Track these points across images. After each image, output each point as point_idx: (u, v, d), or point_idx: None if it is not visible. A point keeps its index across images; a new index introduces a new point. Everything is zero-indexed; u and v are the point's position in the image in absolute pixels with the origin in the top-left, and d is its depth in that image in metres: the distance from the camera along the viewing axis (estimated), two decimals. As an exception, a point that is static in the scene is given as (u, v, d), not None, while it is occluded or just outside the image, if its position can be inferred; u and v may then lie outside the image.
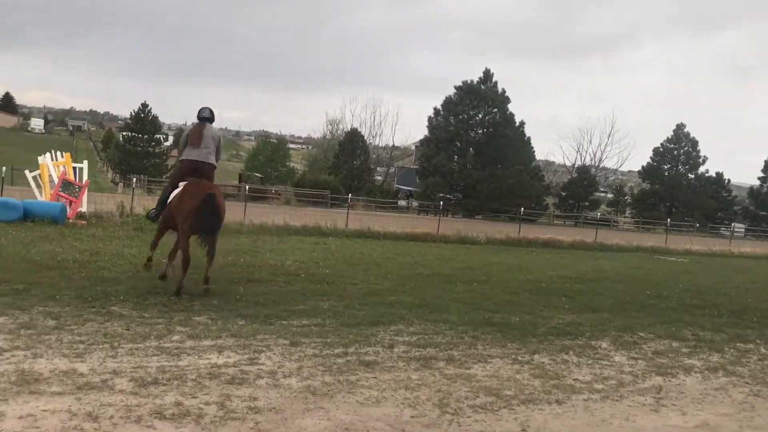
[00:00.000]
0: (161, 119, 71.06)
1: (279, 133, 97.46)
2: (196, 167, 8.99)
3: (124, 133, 66.62)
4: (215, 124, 9.70)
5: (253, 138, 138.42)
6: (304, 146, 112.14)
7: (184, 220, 8.48)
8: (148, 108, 60.85)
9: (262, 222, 18.13)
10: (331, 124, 69.98)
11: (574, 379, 6.38)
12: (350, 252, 14.57)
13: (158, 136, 63.31)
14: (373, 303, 9.02)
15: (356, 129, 58.45)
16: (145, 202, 17.82)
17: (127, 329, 6.61)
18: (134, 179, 25.68)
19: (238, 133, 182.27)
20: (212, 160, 9.16)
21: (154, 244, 9.51)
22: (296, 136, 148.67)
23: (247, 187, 26.89)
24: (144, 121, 60.27)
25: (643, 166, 58.99)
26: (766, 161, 59.39)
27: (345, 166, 52.10)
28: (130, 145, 60.13)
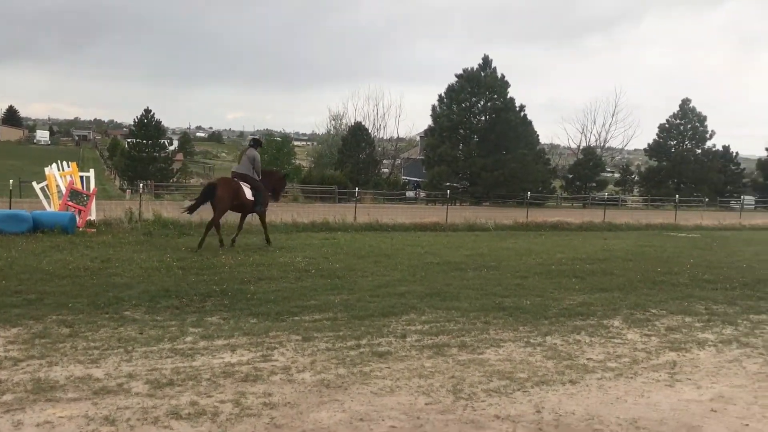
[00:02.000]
0: (165, 124, 71.04)
1: (283, 131, 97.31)
2: (235, 176, 13.99)
3: (129, 140, 66.81)
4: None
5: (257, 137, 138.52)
6: (309, 143, 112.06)
7: None
8: (152, 113, 60.95)
9: (270, 220, 18.16)
10: (334, 119, 69.89)
11: (587, 359, 6.39)
12: (359, 245, 14.60)
13: (162, 140, 63.43)
14: (384, 294, 9.05)
15: (360, 123, 58.33)
16: (153, 207, 17.89)
17: (141, 333, 6.66)
18: (141, 185, 25.77)
19: (242, 134, 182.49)
20: (244, 170, 13.95)
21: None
22: (300, 133, 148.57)
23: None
24: (148, 127, 60.37)
25: (649, 144, 58.59)
26: (773, 132, 58.87)
27: (350, 160, 52.02)
28: (135, 152, 60.27)
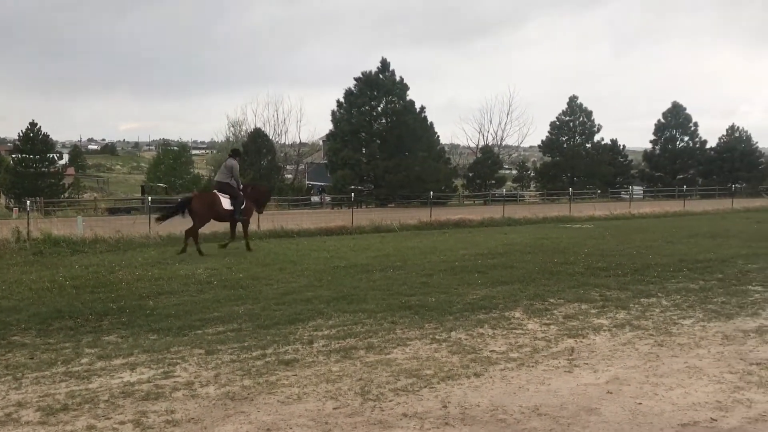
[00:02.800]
0: (54, 137, 67.64)
1: (180, 140, 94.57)
2: (216, 186, 14.97)
3: (14, 156, 63.12)
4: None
5: (153, 148, 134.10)
6: (208, 151, 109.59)
7: None
8: (38, 126, 57.88)
9: (169, 233, 17.61)
10: (233, 126, 68.81)
11: (491, 351, 6.55)
12: (263, 253, 14.38)
13: (51, 155, 60.31)
14: (290, 301, 8.95)
15: (260, 129, 57.63)
16: (43, 225, 16.98)
17: (31, 358, 6.30)
18: (29, 202, 24.39)
19: (137, 144, 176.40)
20: (223, 179, 14.78)
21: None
22: (199, 141, 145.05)
23: (149, 198, 25.99)
24: (34, 141, 57.26)
25: (542, 140, 60.91)
26: (656, 124, 62.48)
27: (252, 167, 51.25)
28: (21, 167, 57.04)
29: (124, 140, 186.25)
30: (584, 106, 59.04)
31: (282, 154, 61.92)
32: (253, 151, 52.66)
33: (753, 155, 62.12)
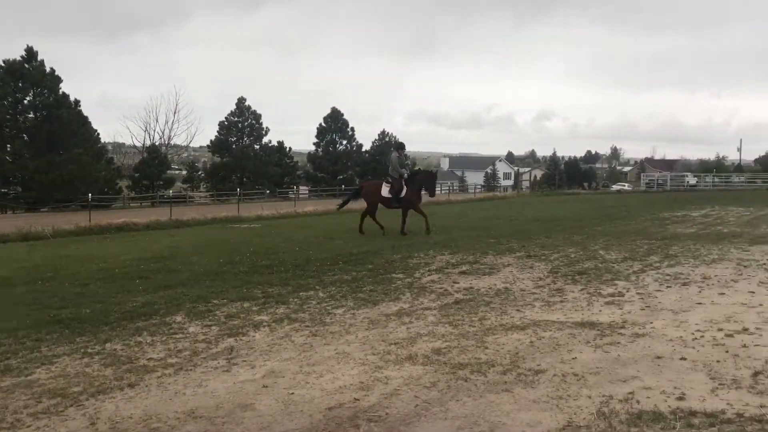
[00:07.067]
0: None
1: None
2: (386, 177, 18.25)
3: None
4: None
5: None
6: None
7: None
8: None
9: None
10: None
11: (148, 359, 6.32)
12: None
13: None
14: None
15: None
16: None
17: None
18: None
19: None
20: (389, 171, 18.05)
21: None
22: None
23: None
24: None
25: (211, 141, 60.82)
26: (318, 128, 66.47)
27: None
28: None
29: None
30: (253, 108, 60.38)
31: None
32: None
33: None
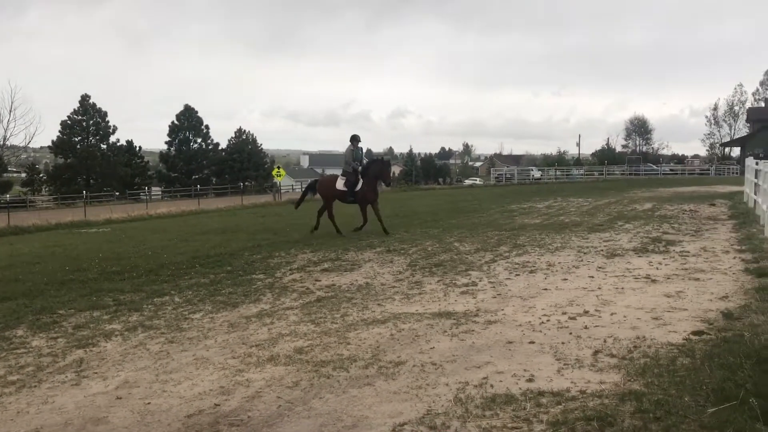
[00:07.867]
0: None
1: None
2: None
3: None
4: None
5: None
6: None
7: None
8: None
9: None
10: None
11: (-16, 380, 5.82)
12: None
13: None
14: None
15: None
16: None
17: None
18: None
19: None
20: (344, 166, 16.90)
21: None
22: None
23: None
24: None
25: (53, 141, 56.95)
26: (170, 126, 64.03)
27: None
28: None
29: None
30: (98, 106, 57.19)
31: None
32: None
33: (259, 156, 68.76)
